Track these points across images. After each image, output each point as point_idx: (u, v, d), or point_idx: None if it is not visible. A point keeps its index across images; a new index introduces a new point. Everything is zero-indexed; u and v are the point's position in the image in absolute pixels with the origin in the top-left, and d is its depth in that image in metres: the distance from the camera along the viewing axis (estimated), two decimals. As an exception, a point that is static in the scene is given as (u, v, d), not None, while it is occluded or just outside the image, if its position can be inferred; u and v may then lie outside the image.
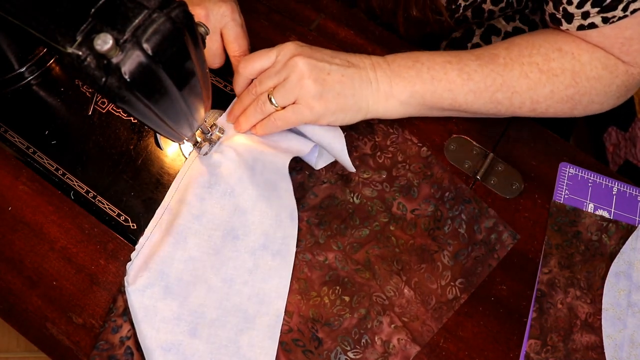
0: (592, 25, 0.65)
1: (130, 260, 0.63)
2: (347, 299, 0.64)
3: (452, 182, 0.70)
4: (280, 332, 0.62)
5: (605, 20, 0.64)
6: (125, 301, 0.62)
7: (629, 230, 0.69)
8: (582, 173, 0.73)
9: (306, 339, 0.62)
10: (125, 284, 0.61)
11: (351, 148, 0.71)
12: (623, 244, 0.68)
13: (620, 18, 0.63)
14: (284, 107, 0.64)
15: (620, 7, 0.62)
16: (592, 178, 0.72)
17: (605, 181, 0.72)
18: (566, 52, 0.67)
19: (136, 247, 0.64)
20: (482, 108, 0.68)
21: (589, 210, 0.70)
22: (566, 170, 0.73)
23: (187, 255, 0.63)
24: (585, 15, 0.64)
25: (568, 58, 0.67)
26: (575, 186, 0.72)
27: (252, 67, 0.65)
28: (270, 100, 0.63)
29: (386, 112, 0.68)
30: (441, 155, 0.72)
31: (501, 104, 0.68)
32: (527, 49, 0.67)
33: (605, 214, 0.70)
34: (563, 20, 0.66)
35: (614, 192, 0.72)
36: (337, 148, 0.67)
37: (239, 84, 0.67)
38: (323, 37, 0.79)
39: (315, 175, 0.70)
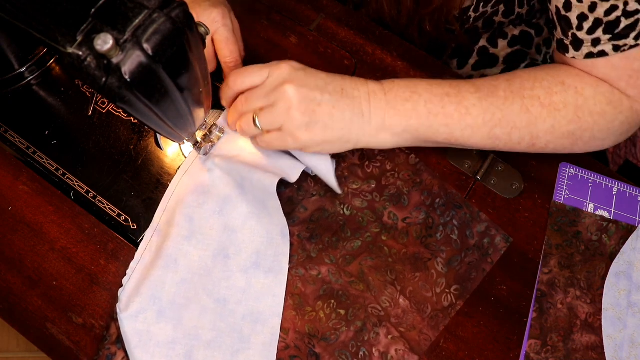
0: (602, 54, 0.62)
1: (122, 286, 0.62)
2: (342, 312, 0.64)
3: (442, 188, 0.70)
4: (277, 349, 0.61)
5: (616, 49, 0.62)
6: (119, 328, 0.61)
7: (629, 230, 0.69)
8: (582, 173, 0.73)
9: (303, 354, 0.62)
10: (118, 310, 0.61)
11: (339, 158, 0.70)
12: (623, 244, 0.68)
13: (631, 47, 0.61)
14: (268, 131, 0.62)
15: (633, 35, 0.60)
16: (592, 178, 0.72)
17: (605, 181, 0.72)
18: (569, 86, 0.64)
19: (127, 271, 0.63)
20: (480, 143, 0.66)
21: (589, 211, 0.70)
22: (566, 170, 0.73)
23: (179, 278, 0.62)
24: (596, 42, 0.62)
25: (571, 92, 0.64)
26: (576, 186, 0.72)
27: (242, 81, 0.63)
28: (255, 121, 0.62)
29: (377, 144, 0.65)
30: (441, 156, 0.72)
31: (499, 140, 0.65)
32: (529, 81, 0.65)
33: (606, 214, 0.70)
34: (570, 47, 0.64)
35: (614, 192, 0.72)
36: (324, 169, 0.66)
37: (226, 95, 0.65)
38: (323, 37, 0.79)
39: (304, 188, 0.69)
